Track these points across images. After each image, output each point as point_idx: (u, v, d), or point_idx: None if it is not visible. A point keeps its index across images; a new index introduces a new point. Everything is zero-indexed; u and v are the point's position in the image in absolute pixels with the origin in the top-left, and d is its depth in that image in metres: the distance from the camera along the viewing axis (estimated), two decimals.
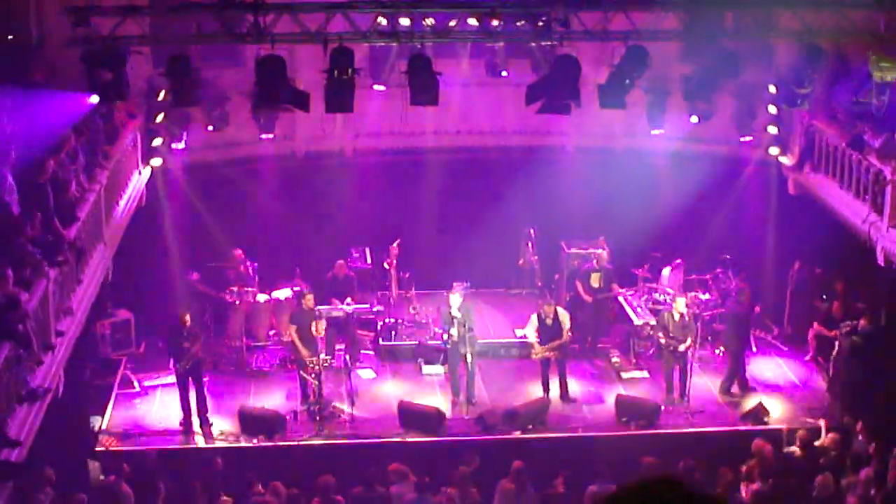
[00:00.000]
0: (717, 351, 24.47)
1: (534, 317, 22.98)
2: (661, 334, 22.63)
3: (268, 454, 21.01)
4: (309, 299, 22.56)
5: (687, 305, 22.89)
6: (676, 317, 22.48)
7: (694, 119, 22.75)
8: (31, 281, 16.99)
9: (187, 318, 21.75)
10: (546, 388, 22.86)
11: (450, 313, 22.37)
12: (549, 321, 22.64)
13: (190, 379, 21.68)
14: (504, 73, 23.51)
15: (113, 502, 18.91)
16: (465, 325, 22.19)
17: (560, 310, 23.06)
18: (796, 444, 20.13)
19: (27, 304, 16.30)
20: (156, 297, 24.96)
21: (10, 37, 22.00)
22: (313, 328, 22.03)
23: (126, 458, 20.29)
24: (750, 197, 26.90)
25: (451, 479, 19.46)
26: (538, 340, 22.73)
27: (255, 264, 25.22)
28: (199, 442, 21.45)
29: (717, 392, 23.15)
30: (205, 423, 21.70)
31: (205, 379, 22.06)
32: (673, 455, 19.82)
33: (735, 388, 23.14)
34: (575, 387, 23.22)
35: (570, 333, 22.84)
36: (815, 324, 24.30)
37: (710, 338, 24.75)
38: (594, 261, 25.05)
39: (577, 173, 26.91)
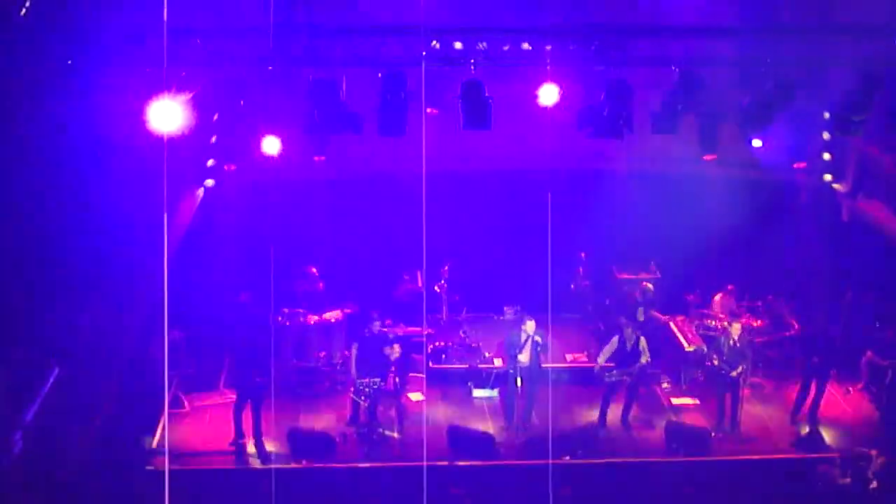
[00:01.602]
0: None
1: (615, 339, 22.92)
2: (714, 358, 22.49)
3: (316, 476, 21.01)
4: (376, 325, 22.53)
5: (740, 332, 22.75)
6: (730, 342, 22.36)
7: (757, 143, 22.50)
8: (85, 300, 17.11)
9: (247, 340, 21.85)
10: (604, 413, 22.76)
11: (525, 337, 22.26)
12: (629, 345, 22.57)
13: (249, 401, 21.73)
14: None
15: None
16: (539, 351, 22.16)
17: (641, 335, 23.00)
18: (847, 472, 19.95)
19: (80, 324, 16.42)
20: (207, 318, 25.06)
21: (69, 61, 22.16)
22: (389, 350, 22.05)
23: (175, 478, 20.33)
24: (803, 223, 26.75)
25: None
26: (613, 363, 22.67)
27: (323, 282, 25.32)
28: (249, 463, 21.48)
29: (784, 417, 22.94)
30: (258, 445, 21.75)
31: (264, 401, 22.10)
32: (724, 483, 19.69)
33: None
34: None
35: (648, 359, 22.76)
36: (869, 352, 24.10)
37: (761, 364, 24.58)
38: (638, 293, 24.96)
39: (629, 198, 26.86)
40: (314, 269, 25.38)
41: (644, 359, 22.65)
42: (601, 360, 23.05)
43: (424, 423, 22.79)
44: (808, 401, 22.83)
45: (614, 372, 22.62)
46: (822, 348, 22.67)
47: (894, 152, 23.25)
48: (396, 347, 22.35)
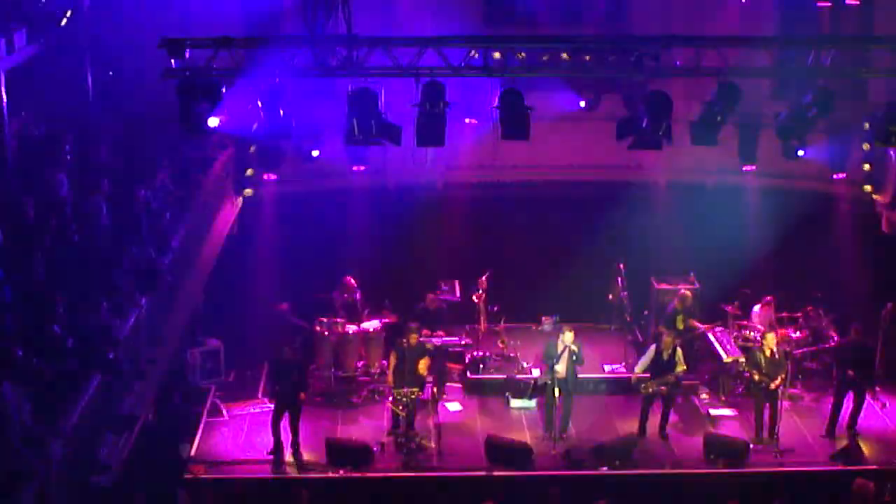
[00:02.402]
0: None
1: (651, 348, 22.88)
2: (752, 369, 22.40)
3: (354, 485, 21.04)
4: (414, 337, 22.54)
5: (777, 343, 22.66)
6: (767, 353, 22.28)
7: (801, 152, 22.36)
8: (124, 309, 17.22)
9: (286, 349, 21.94)
10: (643, 424, 22.71)
11: (564, 348, 22.24)
12: (665, 354, 22.53)
13: (287, 410, 21.80)
14: (582, 104, 23.47)
15: None
16: (574, 361, 22.18)
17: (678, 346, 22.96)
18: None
19: (119, 332, 16.51)
20: (246, 327, 25.16)
21: (110, 73, 22.38)
22: (419, 366, 22.09)
23: (213, 486, 20.43)
24: (842, 234, 26.65)
25: None
26: (648, 374, 22.66)
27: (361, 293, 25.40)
28: (287, 472, 21.52)
29: (822, 430, 22.84)
30: (296, 454, 21.79)
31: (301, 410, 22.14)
32: (762, 495, 19.62)
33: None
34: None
35: (685, 368, 22.72)
36: None
37: (800, 376, 24.46)
38: (676, 302, 24.91)
39: (668, 208, 26.87)
40: (352, 279, 25.44)
41: (680, 368, 22.59)
42: (638, 369, 23.02)
43: (461, 434, 22.85)
44: (845, 413, 22.70)
45: (651, 383, 22.56)
46: (858, 360, 22.55)
47: None
48: (428, 360, 22.35)
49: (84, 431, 15.52)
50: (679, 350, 22.75)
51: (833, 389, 23.11)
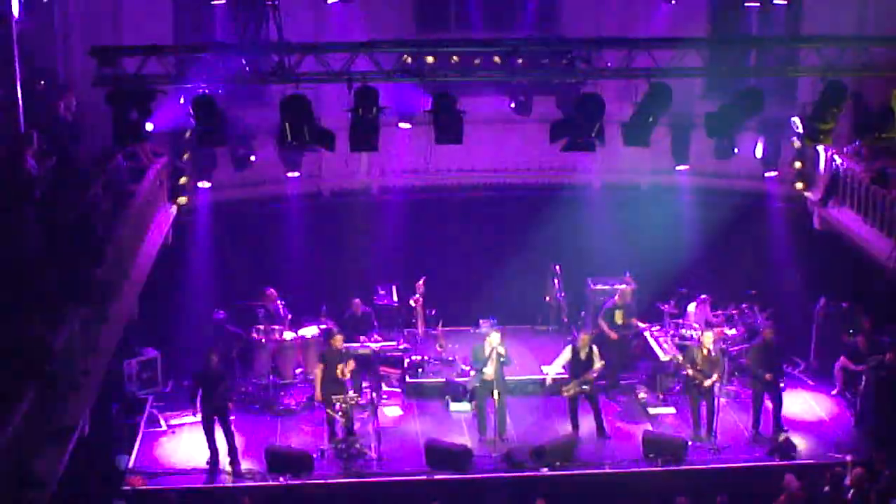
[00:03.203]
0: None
1: (568, 349, 22.97)
2: (688, 366, 22.55)
3: (295, 493, 20.99)
4: (338, 340, 22.58)
5: (714, 341, 22.83)
6: (704, 352, 22.44)
7: (735, 150, 22.43)
8: (58, 321, 17.06)
9: (214, 357, 21.86)
10: (575, 425, 22.81)
11: (491, 350, 22.29)
12: (582, 354, 22.63)
13: (216, 419, 21.74)
14: (512, 106, 23.48)
15: None
16: (502, 363, 22.22)
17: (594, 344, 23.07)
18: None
19: (53, 344, 16.36)
20: (182, 336, 25.03)
21: (41, 81, 22.17)
22: (338, 370, 22.10)
23: (152, 497, 20.31)
24: (775, 232, 26.86)
25: None
26: (567, 375, 22.74)
27: (283, 302, 25.34)
28: (226, 481, 21.43)
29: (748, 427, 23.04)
30: (234, 463, 21.71)
31: (231, 418, 22.07)
32: (701, 491, 19.75)
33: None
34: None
35: (602, 364, 22.81)
36: (842, 358, 24.21)
37: (736, 373, 24.64)
38: (617, 297, 25.04)
39: (602, 210, 26.98)
40: (272, 290, 25.32)
41: (598, 365, 22.68)
42: (552, 371, 23.16)
43: (401, 438, 22.85)
44: (766, 410, 22.91)
45: (571, 385, 22.64)
46: (772, 362, 22.76)
47: (865, 160, 23.40)
48: (351, 363, 22.38)
49: (18, 445, 15.37)
50: (594, 347, 22.88)
51: (751, 392, 23.29)
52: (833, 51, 18.51)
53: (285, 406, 24.21)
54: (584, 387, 22.66)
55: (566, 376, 22.90)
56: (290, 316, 25.27)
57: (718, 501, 19.32)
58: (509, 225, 27.31)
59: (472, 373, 22.84)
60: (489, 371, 22.28)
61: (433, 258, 26.96)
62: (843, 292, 25.21)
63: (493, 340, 22.31)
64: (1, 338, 16.21)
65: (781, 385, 23.22)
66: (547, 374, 23.59)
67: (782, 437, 22.31)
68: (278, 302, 25.22)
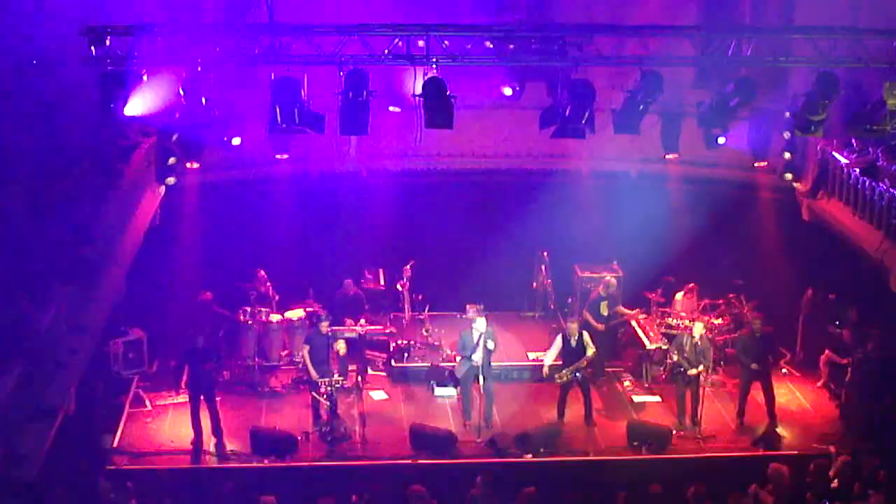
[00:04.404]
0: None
1: (559, 338, 22.96)
2: (675, 356, 22.55)
3: (279, 475, 20.98)
4: (325, 324, 22.55)
5: (703, 331, 22.81)
6: (691, 341, 22.45)
7: (721, 140, 22.40)
8: (44, 299, 17.02)
9: (200, 338, 21.86)
10: (561, 412, 22.84)
11: (478, 336, 22.28)
12: (573, 341, 22.62)
13: (202, 399, 21.74)
14: (508, 93, 23.42)
15: None
16: (489, 348, 22.21)
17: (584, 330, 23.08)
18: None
19: (39, 323, 16.32)
20: (169, 316, 25.01)
21: (34, 61, 22.03)
22: (335, 347, 22.07)
23: (136, 476, 20.28)
24: (763, 222, 26.88)
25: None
26: (560, 363, 22.75)
27: (271, 284, 25.33)
28: (210, 462, 21.44)
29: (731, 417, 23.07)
30: (218, 444, 21.72)
31: (217, 399, 22.09)
32: (683, 480, 19.78)
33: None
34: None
35: (594, 351, 22.82)
36: (827, 350, 24.25)
37: (722, 362, 24.66)
38: (601, 288, 25.02)
39: (591, 197, 26.95)
40: (263, 272, 25.33)
41: (590, 352, 22.70)
42: (548, 361, 23.13)
43: (386, 422, 22.85)
44: (754, 400, 22.93)
45: (564, 372, 22.65)
46: (760, 351, 22.78)
47: (854, 152, 23.39)
48: (342, 343, 22.39)
49: (3, 423, 15.35)
50: (586, 334, 22.88)
51: (739, 382, 23.32)
52: (826, 41, 18.50)
53: (270, 388, 24.20)
54: (577, 374, 22.66)
55: (560, 363, 22.89)
56: (277, 297, 25.27)
57: (692, 492, 19.23)
58: (497, 210, 27.30)
59: (458, 358, 22.82)
60: (477, 357, 22.27)
61: (420, 242, 26.94)
62: (831, 284, 25.21)
63: (480, 326, 22.30)
64: None
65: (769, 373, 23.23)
66: (543, 362, 23.54)
67: (766, 428, 22.35)
68: (268, 284, 25.23)
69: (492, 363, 22.66)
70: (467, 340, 22.46)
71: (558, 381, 22.78)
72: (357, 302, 25.23)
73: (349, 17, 22.45)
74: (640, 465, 21.46)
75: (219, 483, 19.97)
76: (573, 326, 22.88)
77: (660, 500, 19.15)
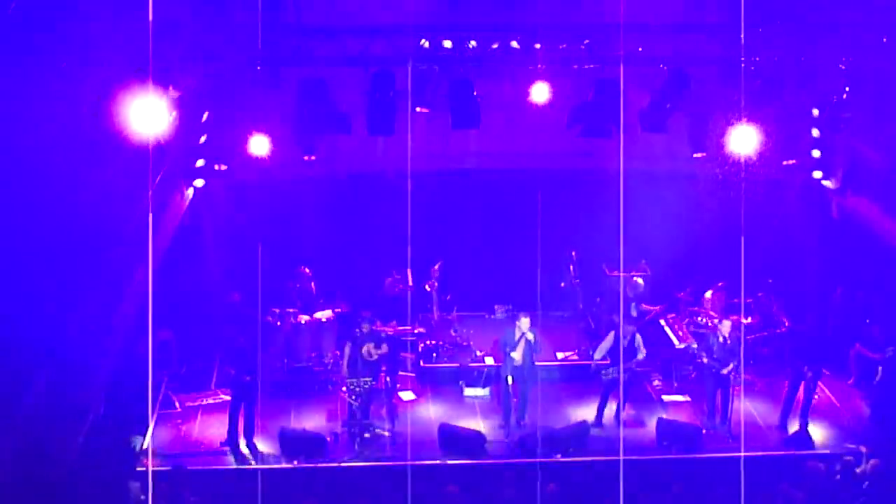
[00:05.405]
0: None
1: (611, 335, 22.92)
2: (705, 355, 22.49)
3: (308, 476, 21.00)
4: (366, 325, 22.48)
5: (731, 329, 22.72)
6: (721, 340, 22.38)
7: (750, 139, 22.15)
8: (73, 301, 17.07)
9: (241, 339, 21.90)
10: (601, 411, 22.78)
11: (521, 335, 22.22)
12: (625, 341, 22.56)
13: (243, 400, 21.76)
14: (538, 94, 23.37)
15: None
16: (532, 349, 22.18)
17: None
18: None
19: (68, 325, 16.37)
20: (197, 318, 25.06)
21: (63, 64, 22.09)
22: (364, 350, 22.07)
23: (167, 478, 20.32)
24: (793, 220, 26.79)
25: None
26: (608, 360, 22.71)
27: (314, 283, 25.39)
28: (240, 463, 21.46)
29: (774, 417, 22.95)
30: (250, 445, 21.75)
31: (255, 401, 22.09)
32: (714, 480, 19.71)
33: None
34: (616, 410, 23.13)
35: (645, 353, 22.79)
36: (857, 344, 24.13)
37: (752, 361, 24.57)
38: (628, 290, 24.95)
39: (619, 196, 26.85)
40: (307, 269, 25.43)
41: (641, 355, 22.68)
42: (597, 355, 23.08)
43: (415, 423, 22.84)
44: (798, 399, 22.82)
45: (611, 369, 22.60)
46: (809, 347, 22.67)
47: (883, 149, 23.29)
48: (384, 346, 22.38)
49: (34, 426, 15.41)
50: (638, 336, 22.84)
51: (787, 375, 23.21)
52: (854, 39, 18.44)
53: (299, 389, 24.20)
54: (624, 374, 22.56)
55: (607, 361, 22.85)
56: (321, 299, 25.33)
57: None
58: (525, 210, 27.24)
59: (488, 359, 22.75)
60: (517, 356, 22.20)
61: (448, 243, 26.94)
62: (861, 281, 25.10)
63: (524, 325, 22.24)
64: (17, 320, 16.23)
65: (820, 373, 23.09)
66: (570, 361, 23.47)
67: (797, 427, 22.25)
68: (311, 283, 25.30)
69: (535, 363, 22.58)
70: (509, 339, 22.41)
71: (604, 378, 22.72)
72: (398, 299, 25.22)
73: (375, 18, 22.48)
74: (669, 464, 21.39)
75: (249, 485, 20.00)
76: (628, 328, 22.76)
77: (687, 500, 19.12)
